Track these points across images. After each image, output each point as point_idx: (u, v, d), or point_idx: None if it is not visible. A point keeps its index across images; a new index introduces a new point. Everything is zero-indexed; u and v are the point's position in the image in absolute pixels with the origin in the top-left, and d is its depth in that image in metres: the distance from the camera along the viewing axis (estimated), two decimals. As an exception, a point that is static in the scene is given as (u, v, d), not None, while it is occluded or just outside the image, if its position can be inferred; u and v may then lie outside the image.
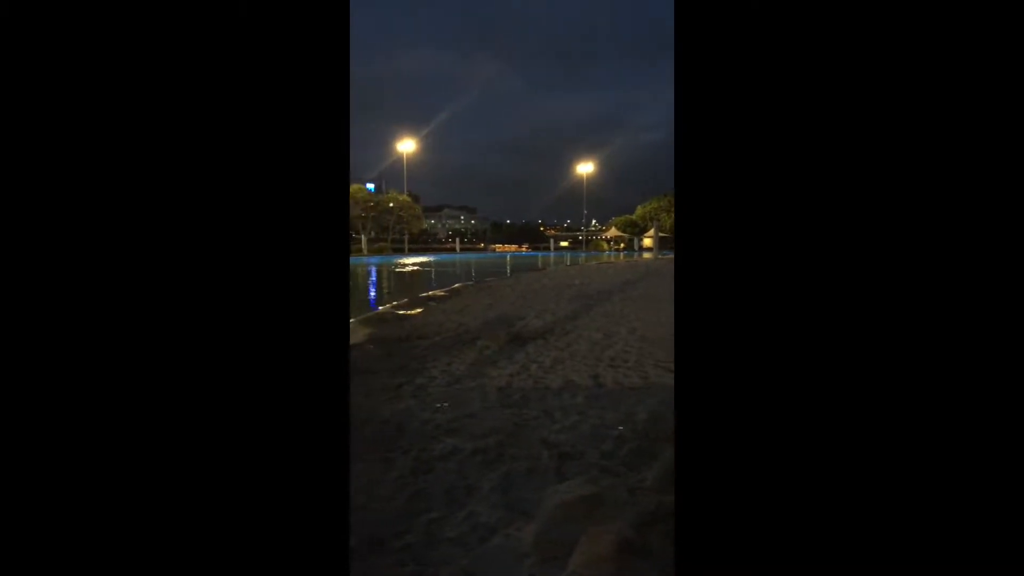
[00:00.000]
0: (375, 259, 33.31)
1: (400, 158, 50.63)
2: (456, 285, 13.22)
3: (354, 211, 45.66)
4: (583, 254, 43.24)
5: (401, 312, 8.20)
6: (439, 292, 11.43)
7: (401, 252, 42.14)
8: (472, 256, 40.74)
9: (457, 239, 57.97)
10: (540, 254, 44.78)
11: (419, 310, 8.39)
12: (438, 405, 3.35)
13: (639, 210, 52.82)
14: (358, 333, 6.41)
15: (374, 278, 18.06)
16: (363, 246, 40.28)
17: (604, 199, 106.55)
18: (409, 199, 49.69)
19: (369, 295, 11.88)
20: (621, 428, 2.83)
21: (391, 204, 46.93)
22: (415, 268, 23.46)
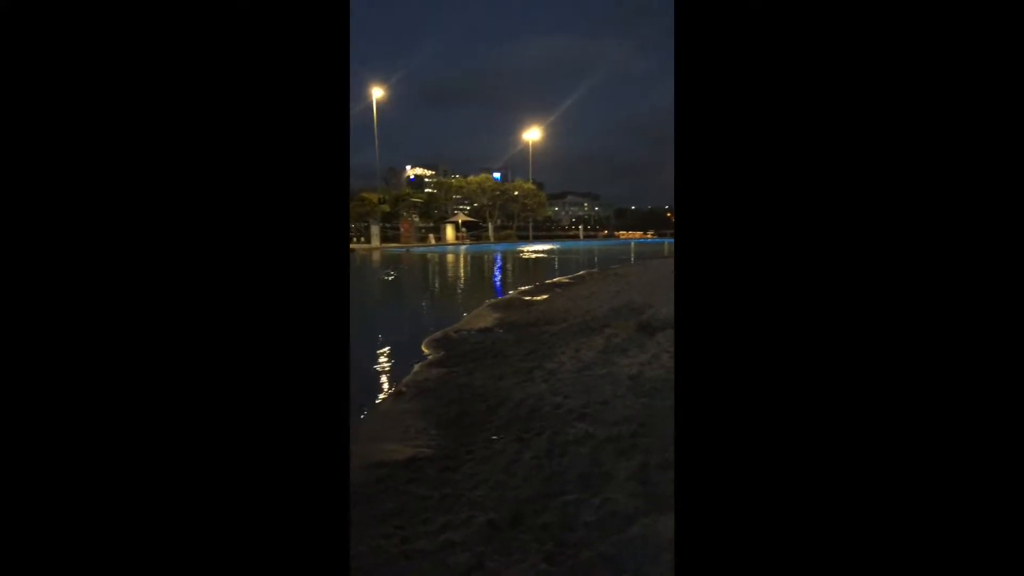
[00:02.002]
0: (500, 246, 34.14)
1: (525, 146, 51.26)
2: (581, 272, 13.18)
3: (480, 200, 47.12)
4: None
5: (527, 298, 8.35)
6: (564, 279, 11.48)
7: (525, 239, 42.79)
8: (595, 243, 40.38)
9: (580, 226, 57.65)
10: (666, 240, 43.20)
11: (545, 296, 8.49)
12: (570, 390, 3.37)
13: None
14: (488, 317, 6.64)
15: (499, 264, 18.52)
16: (489, 234, 41.47)
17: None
18: (533, 187, 50.26)
19: (495, 281, 12.23)
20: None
21: (516, 192, 47.72)
22: (539, 255, 23.69)
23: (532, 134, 50.95)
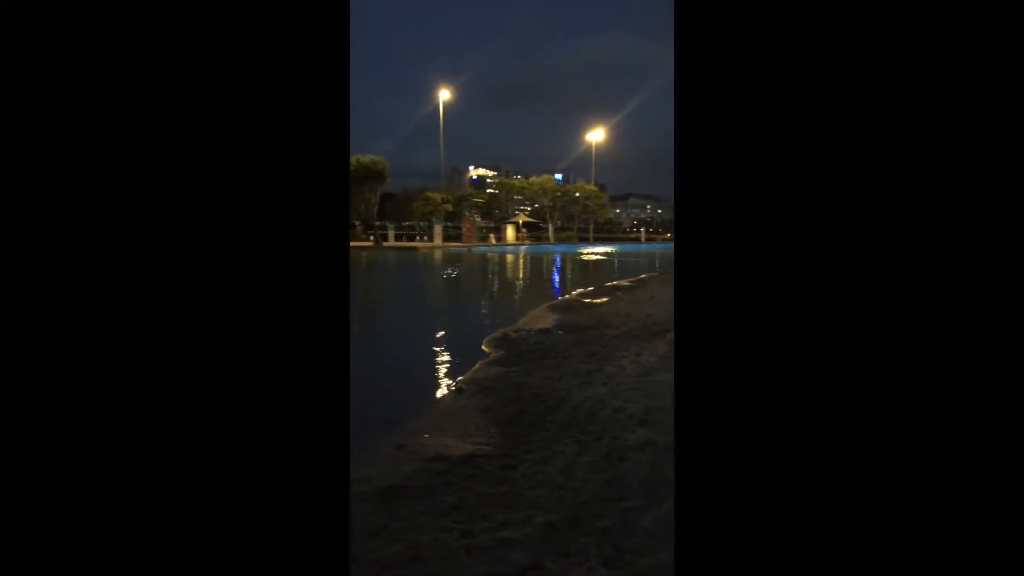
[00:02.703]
0: (560, 247, 34.02)
1: (588, 147, 50.89)
2: (642, 275, 12.96)
3: (542, 201, 47.14)
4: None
5: (587, 300, 8.29)
6: (624, 282, 11.31)
7: (586, 241, 42.45)
8: (657, 246, 39.55)
9: (642, 229, 56.67)
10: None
11: (605, 299, 8.40)
12: (630, 395, 3.32)
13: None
14: (547, 319, 6.63)
15: (559, 265, 18.46)
16: (550, 235, 41.44)
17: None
18: (595, 188, 49.81)
19: (554, 282, 12.20)
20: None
21: (577, 194, 47.43)
22: (599, 257, 23.46)
23: (596, 135, 50.54)
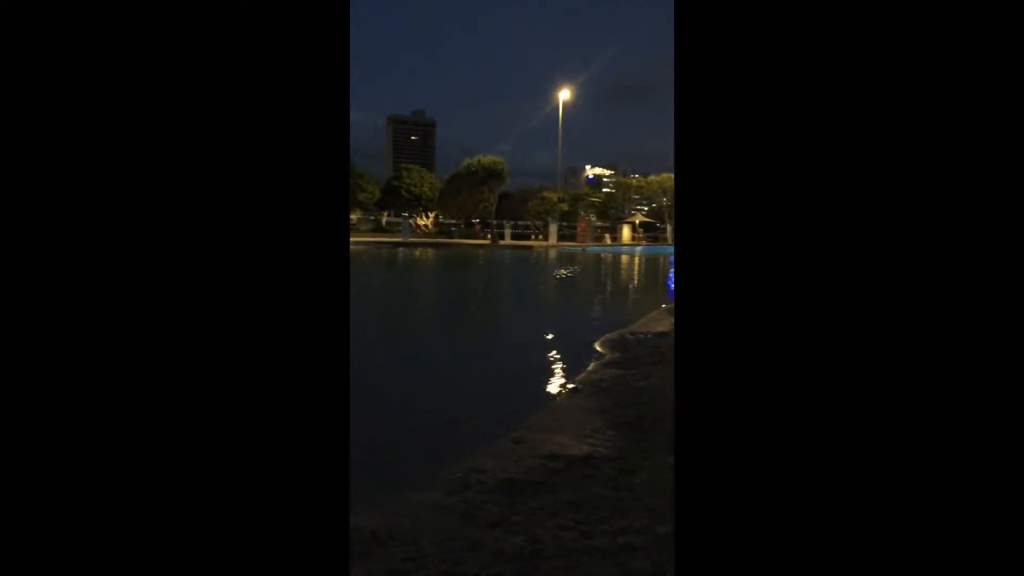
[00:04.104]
0: (678, 249, 32.72)
1: (712, 145, 48.48)
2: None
3: (660, 201, 45.76)
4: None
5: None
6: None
7: (706, 243, 40.51)
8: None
9: (769, 231, 53.02)
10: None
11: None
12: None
13: None
14: (664, 322, 6.44)
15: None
16: (667, 235, 40.12)
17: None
18: (718, 188, 47.29)
19: (670, 284, 11.80)
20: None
21: (699, 193, 45.33)
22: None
23: (720, 132, 47.98)
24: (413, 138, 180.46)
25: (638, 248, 31.87)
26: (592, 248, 29.80)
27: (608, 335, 5.63)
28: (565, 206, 38.13)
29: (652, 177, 46.52)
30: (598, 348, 5.13)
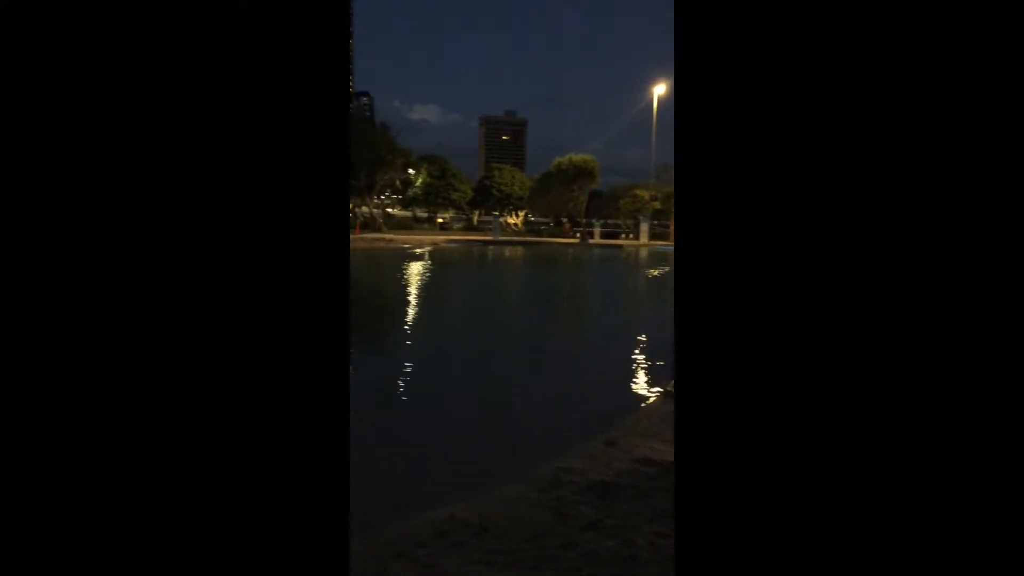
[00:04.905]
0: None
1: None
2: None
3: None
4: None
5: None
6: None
7: (811, 244, 38.12)
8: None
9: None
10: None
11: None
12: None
13: None
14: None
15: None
16: (767, 235, 37.99)
17: None
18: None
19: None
20: None
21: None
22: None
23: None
24: (504, 137, 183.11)
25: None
26: (685, 248, 28.78)
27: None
28: (658, 204, 37.08)
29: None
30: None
